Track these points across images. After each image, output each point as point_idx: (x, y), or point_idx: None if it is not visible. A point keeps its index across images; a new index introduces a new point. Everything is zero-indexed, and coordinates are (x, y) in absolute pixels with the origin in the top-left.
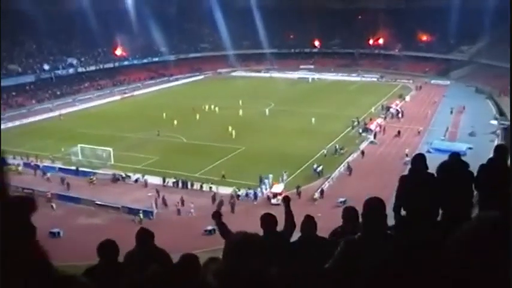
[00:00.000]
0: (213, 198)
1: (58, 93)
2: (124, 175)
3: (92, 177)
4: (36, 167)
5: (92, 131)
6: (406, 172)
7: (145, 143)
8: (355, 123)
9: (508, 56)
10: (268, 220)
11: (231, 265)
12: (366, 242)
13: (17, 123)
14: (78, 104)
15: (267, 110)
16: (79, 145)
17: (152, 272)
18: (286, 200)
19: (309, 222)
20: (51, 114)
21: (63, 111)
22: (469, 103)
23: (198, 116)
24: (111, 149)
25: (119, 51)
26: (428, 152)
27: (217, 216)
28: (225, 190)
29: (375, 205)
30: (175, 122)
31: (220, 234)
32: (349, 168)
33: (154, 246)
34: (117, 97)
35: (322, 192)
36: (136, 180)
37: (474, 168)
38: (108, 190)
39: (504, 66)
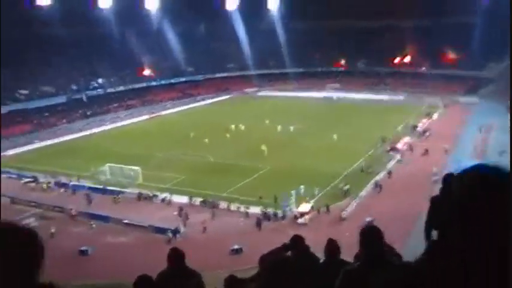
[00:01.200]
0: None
1: (88, 113)
2: (151, 194)
3: (115, 196)
4: (66, 185)
5: (121, 150)
6: (434, 191)
7: (173, 162)
8: (383, 141)
9: None
10: (297, 241)
11: (265, 285)
12: (366, 271)
13: (49, 142)
14: (108, 123)
15: (293, 129)
16: (108, 164)
17: None
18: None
19: (331, 245)
20: (81, 134)
21: (93, 130)
22: (498, 121)
23: (228, 135)
24: (139, 168)
25: (146, 72)
26: (457, 170)
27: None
28: (254, 209)
29: (370, 233)
30: (206, 140)
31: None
32: (378, 186)
33: (185, 266)
34: (146, 116)
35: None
36: (163, 200)
37: None
38: (135, 209)
39: None
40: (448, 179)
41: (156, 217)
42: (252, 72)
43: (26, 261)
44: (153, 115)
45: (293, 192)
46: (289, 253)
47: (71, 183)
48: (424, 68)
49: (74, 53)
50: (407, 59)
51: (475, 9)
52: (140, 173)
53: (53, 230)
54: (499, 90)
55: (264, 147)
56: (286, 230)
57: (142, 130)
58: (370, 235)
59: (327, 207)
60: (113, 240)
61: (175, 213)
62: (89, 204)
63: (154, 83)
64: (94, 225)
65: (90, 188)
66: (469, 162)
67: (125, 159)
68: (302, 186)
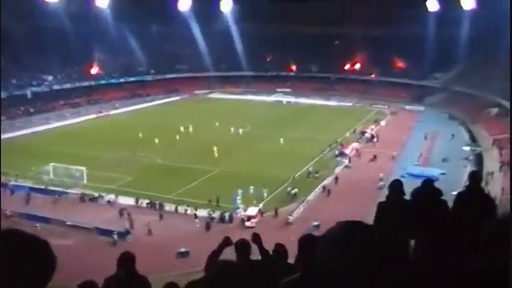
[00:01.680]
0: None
1: (31, 110)
2: (96, 195)
3: (56, 197)
4: (4, 185)
5: (66, 149)
6: (381, 197)
7: (120, 163)
8: (331, 146)
9: (478, 84)
10: (242, 246)
11: None
12: (307, 281)
13: None
14: (53, 122)
15: (242, 132)
16: (51, 164)
17: None
18: (257, 239)
19: (279, 250)
20: (23, 132)
21: (36, 128)
22: (442, 129)
23: (177, 137)
24: (84, 168)
25: (94, 70)
26: (403, 177)
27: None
28: (201, 212)
29: (307, 241)
30: (156, 140)
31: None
32: (326, 191)
33: (135, 272)
34: (93, 116)
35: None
36: (109, 201)
37: (447, 193)
38: (79, 210)
39: (476, 94)
40: (394, 184)
41: (101, 219)
42: (203, 74)
43: (37, 272)
44: (101, 114)
45: (240, 191)
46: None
47: (10, 183)
48: (373, 75)
49: (19, 47)
50: (357, 66)
51: (424, 20)
52: (85, 173)
53: None
54: (443, 99)
55: (215, 149)
56: (234, 233)
57: (89, 129)
58: (308, 243)
59: (275, 210)
60: (55, 243)
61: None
62: (27, 205)
63: (102, 82)
64: (39, 227)
65: (30, 189)
66: (414, 169)
67: (70, 159)
68: (251, 187)
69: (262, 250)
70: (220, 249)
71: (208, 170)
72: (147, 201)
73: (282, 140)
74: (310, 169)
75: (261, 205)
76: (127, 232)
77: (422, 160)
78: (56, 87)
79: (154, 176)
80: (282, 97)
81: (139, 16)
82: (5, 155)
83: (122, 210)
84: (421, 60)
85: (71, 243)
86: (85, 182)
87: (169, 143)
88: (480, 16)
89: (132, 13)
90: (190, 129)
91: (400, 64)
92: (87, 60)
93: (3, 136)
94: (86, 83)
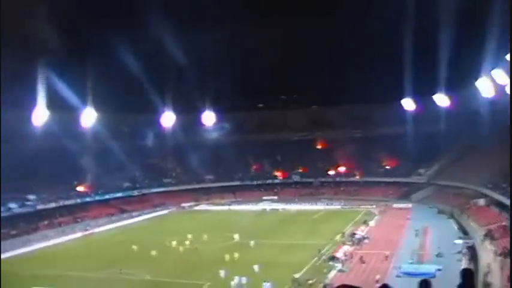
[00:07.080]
0: None
1: (13, 232)
2: None
3: None
4: None
5: (49, 272)
6: None
7: (105, 283)
8: (321, 251)
9: (461, 177)
10: None
11: None
12: None
13: None
14: (34, 243)
15: (231, 243)
16: None
17: None
18: None
19: None
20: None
21: (17, 252)
22: (433, 224)
23: (169, 251)
24: None
25: (81, 188)
26: (398, 276)
27: None
28: None
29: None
30: (154, 252)
31: None
32: None
33: None
34: (78, 234)
35: None
36: None
37: None
38: None
39: (461, 186)
40: None
41: None
42: (189, 186)
43: None
44: (86, 233)
45: None
46: None
47: None
48: (357, 176)
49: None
50: (342, 169)
51: (403, 119)
52: None
53: None
54: (429, 194)
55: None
56: None
57: (73, 249)
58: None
59: None
60: None
61: None
62: None
63: (88, 199)
64: None
65: None
66: (409, 267)
67: (53, 282)
68: None
69: None
70: None
71: (199, 284)
72: None
73: (271, 248)
74: (303, 277)
75: None
76: None
77: (417, 257)
78: (40, 206)
79: None
80: (270, 205)
81: (124, 133)
82: None
83: None
84: (404, 158)
85: None
86: None
87: (159, 258)
88: (455, 112)
89: (116, 130)
90: (181, 243)
91: (384, 163)
92: (73, 178)
93: None
94: (71, 201)
